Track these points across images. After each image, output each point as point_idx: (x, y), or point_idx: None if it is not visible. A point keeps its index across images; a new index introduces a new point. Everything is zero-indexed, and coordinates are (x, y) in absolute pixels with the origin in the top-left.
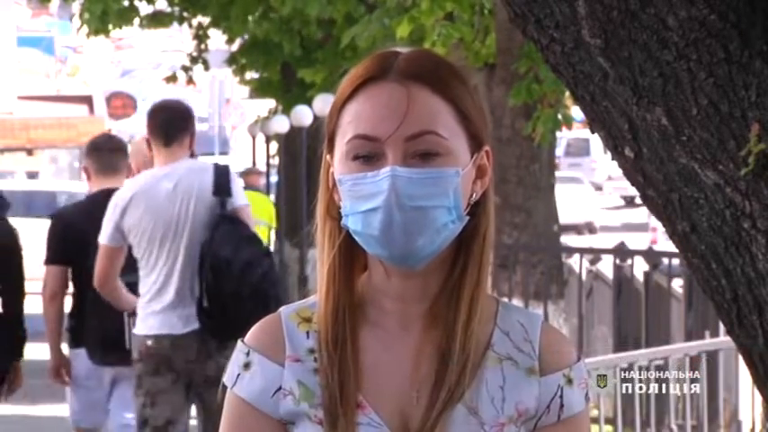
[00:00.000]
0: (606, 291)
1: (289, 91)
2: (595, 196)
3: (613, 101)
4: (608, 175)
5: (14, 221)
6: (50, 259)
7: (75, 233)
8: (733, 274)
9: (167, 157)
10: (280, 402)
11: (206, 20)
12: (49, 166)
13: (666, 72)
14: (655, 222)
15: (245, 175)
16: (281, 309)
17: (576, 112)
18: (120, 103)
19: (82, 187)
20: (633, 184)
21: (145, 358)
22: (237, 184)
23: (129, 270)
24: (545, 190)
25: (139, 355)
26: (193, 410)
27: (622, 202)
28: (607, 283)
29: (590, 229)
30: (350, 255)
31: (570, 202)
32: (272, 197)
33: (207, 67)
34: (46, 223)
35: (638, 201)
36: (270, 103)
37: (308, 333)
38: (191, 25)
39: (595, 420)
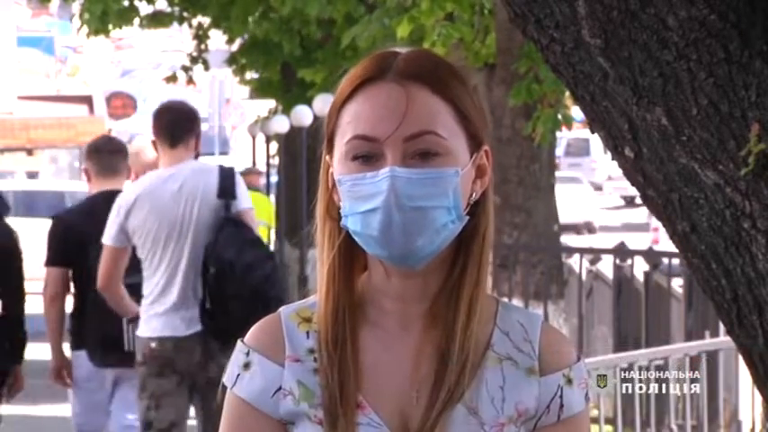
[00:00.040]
0: (606, 291)
1: (289, 91)
2: (594, 196)
3: (613, 101)
4: (608, 175)
5: (14, 222)
6: (51, 261)
7: (75, 235)
8: (733, 274)
9: (173, 158)
10: (279, 402)
11: (206, 20)
12: (49, 166)
13: (666, 72)
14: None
15: (245, 175)
16: (281, 309)
17: (576, 112)
18: (120, 103)
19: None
20: (633, 184)
21: (149, 361)
22: (242, 186)
23: (131, 272)
24: (545, 190)
25: (143, 357)
26: (192, 410)
27: (622, 202)
28: (607, 283)
29: (589, 228)
30: (350, 255)
31: (569, 202)
32: (272, 197)
33: (207, 67)
34: (46, 223)
35: (638, 201)
36: (270, 103)
37: (307, 333)
38: (191, 25)
39: (595, 420)
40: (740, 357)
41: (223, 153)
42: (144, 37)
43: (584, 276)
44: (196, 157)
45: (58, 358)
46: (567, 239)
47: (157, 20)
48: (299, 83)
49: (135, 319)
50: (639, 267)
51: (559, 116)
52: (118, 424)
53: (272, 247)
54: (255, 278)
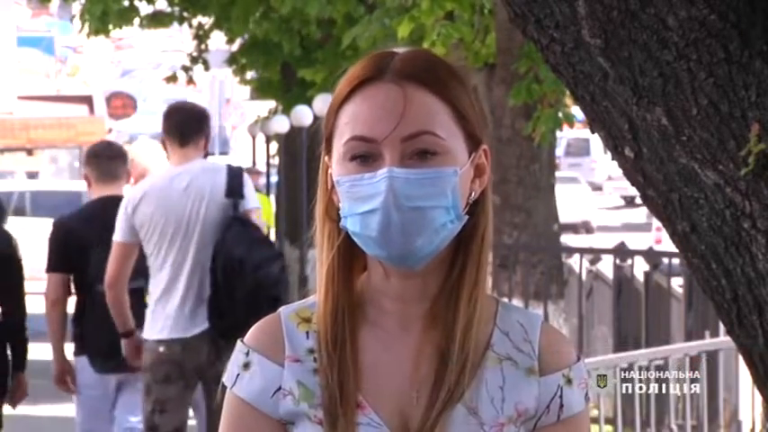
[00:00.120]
0: (606, 291)
1: (289, 91)
2: (592, 196)
3: (613, 101)
4: (608, 175)
5: (14, 221)
6: (52, 267)
7: (75, 240)
8: (733, 274)
9: (182, 157)
10: (279, 402)
11: (206, 20)
12: (49, 166)
13: (666, 72)
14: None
15: None
16: (281, 309)
17: (576, 111)
18: (120, 103)
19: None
20: (633, 184)
21: (156, 366)
22: (250, 186)
23: (136, 275)
24: (545, 190)
25: (150, 362)
26: (191, 411)
27: (622, 202)
28: (607, 283)
29: (587, 228)
30: (349, 255)
31: (567, 202)
32: (273, 197)
33: (207, 67)
34: (46, 223)
35: (638, 201)
36: (270, 103)
37: (307, 333)
38: (191, 25)
39: (595, 420)
40: (740, 357)
41: (223, 153)
42: (144, 37)
43: (584, 276)
44: (205, 156)
45: (61, 363)
46: (566, 239)
47: (157, 20)
48: (299, 83)
49: (128, 334)
50: (639, 267)
51: (560, 114)
52: (120, 427)
53: None
54: (264, 276)
